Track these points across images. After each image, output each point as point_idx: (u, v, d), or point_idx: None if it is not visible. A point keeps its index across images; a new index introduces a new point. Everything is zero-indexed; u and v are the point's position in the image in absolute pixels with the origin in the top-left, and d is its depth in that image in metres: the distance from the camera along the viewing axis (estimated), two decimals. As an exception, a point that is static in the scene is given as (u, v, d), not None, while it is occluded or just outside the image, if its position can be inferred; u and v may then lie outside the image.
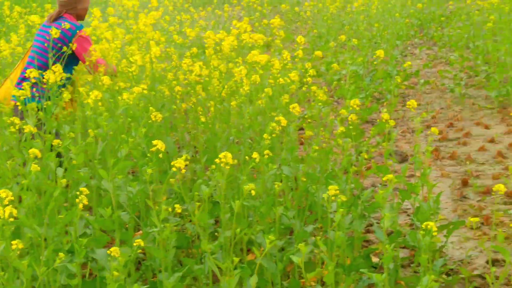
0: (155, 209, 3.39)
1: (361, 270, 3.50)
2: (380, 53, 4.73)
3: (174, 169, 2.84)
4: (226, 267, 3.29)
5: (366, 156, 4.43)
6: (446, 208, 5.61)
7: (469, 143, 7.06)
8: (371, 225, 5.02)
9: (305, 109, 6.34)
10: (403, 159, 6.94)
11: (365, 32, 10.93)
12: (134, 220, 4.05)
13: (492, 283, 4.52)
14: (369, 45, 10.50)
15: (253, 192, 2.92)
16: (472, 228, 5.27)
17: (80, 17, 5.84)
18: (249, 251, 4.10)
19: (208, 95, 4.53)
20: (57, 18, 5.71)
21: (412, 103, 3.90)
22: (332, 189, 3.12)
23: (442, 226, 4.62)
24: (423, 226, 3.08)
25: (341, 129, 4.21)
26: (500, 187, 3.70)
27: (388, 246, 3.00)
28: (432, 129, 3.95)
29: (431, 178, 6.41)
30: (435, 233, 3.03)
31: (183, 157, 3.02)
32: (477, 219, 3.62)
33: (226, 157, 2.81)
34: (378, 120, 4.90)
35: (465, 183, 5.95)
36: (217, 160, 3.52)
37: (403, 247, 4.77)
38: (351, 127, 4.54)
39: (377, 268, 4.26)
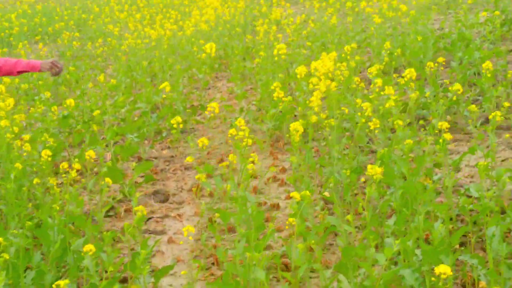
0: None
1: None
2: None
3: None
4: None
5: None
6: (186, 249, 5.59)
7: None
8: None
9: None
10: (165, 198, 6.89)
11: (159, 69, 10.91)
12: None
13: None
14: (159, 81, 10.49)
15: None
16: (205, 269, 5.27)
17: None
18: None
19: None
20: None
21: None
22: None
23: (157, 271, 4.61)
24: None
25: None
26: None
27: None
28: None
29: (186, 217, 6.40)
30: None
31: None
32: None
33: None
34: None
35: (210, 221, 5.96)
36: None
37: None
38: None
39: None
